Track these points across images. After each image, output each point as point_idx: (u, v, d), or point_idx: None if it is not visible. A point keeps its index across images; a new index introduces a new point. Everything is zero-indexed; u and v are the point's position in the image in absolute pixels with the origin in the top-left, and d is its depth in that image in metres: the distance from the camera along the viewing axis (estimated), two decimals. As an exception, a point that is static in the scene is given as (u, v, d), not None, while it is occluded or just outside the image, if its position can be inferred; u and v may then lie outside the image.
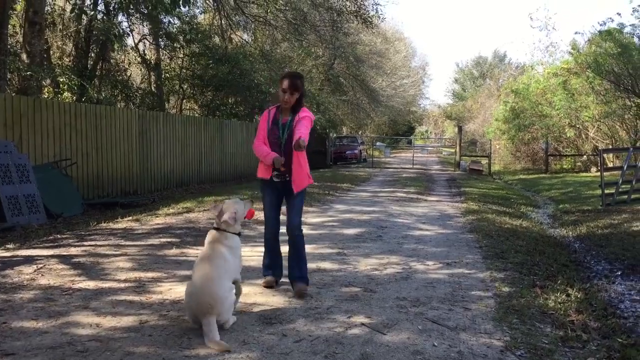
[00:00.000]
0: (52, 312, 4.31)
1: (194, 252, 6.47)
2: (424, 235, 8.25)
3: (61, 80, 14.99)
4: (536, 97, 27.37)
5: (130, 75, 20.45)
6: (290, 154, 4.76)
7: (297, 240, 4.89)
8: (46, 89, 15.11)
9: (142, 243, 7.14)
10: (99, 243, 7.07)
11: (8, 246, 6.83)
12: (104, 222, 8.80)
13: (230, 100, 22.66)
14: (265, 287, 5.07)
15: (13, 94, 12.01)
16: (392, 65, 42.30)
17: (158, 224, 8.77)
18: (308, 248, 4.79)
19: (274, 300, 4.74)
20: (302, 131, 4.55)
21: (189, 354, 3.54)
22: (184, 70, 21.22)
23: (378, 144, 47.35)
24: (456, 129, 39.43)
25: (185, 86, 21.54)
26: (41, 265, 5.80)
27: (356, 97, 33.42)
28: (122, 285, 5.14)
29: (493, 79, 53.70)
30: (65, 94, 15.21)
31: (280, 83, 4.83)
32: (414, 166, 29.31)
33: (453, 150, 39.50)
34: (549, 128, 26.45)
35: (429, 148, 58.88)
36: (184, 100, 22.17)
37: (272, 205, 4.97)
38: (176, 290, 4.89)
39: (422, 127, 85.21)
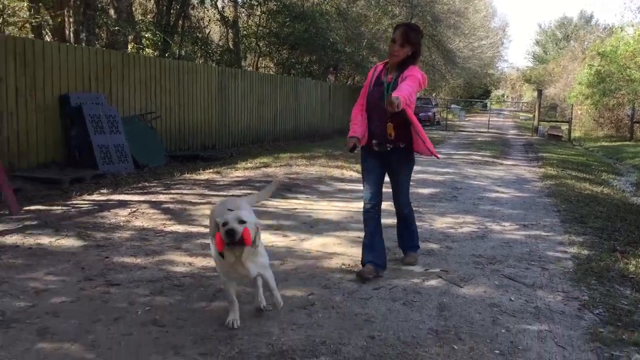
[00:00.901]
0: (148, 251, 4.66)
1: (274, 204, 6.75)
2: (500, 198, 8.19)
3: (146, 35, 15.49)
4: (625, 61, 25.85)
5: (209, 33, 20.84)
6: (401, 120, 4.05)
7: (407, 216, 4.57)
8: (130, 45, 15.69)
9: (225, 193, 7.48)
10: (184, 192, 7.46)
11: (102, 191, 7.34)
12: (187, 174, 9.23)
13: (305, 59, 22.77)
14: (357, 276, 4.16)
15: (103, 48, 12.57)
16: (470, 25, 40.84)
17: (238, 176, 9.12)
18: (384, 205, 4.67)
19: (352, 250, 4.90)
20: (402, 89, 3.80)
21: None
22: (261, 28, 21.42)
23: (453, 106, 46.30)
24: (535, 93, 38.04)
25: (262, 44, 21.77)
26: (134, 209, 6.22)
27: (432, 58, 32.58)
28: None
29: (578, 41, 50.89)
30: (148, 49, 15.73)
31: (393, 33, 4.18)
32: (489, 130, 28.63)
33: (531, 115, 38.23)
34: (637, 93, 25.06)
35: (505, 112, 57.16)
36: (260, 58, 22.44)
37: (371, 178, 4.34)
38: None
39: (499, 90, 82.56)
